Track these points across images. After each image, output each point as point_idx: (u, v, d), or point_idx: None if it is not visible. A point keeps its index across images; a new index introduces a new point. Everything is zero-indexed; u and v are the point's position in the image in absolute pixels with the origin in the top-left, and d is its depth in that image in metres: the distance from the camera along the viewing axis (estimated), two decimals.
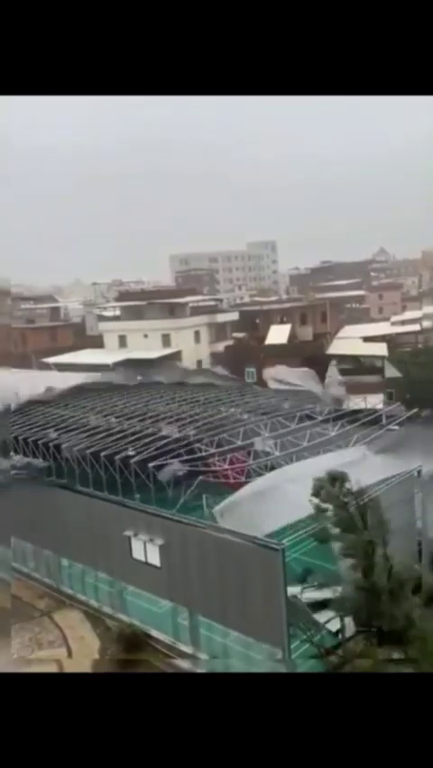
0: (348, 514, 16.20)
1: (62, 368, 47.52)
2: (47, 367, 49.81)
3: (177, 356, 50.40)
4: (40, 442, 25.78)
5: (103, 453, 24.18)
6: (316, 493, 16.50)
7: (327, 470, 17.08)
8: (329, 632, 18.05)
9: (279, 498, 19.56)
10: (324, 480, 16.64)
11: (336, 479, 16.49)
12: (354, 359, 46.21)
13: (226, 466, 25.27)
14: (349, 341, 49.69)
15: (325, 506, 16.41)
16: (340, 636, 17.66)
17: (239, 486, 25.00)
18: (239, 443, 26.00)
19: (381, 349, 45.96)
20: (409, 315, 63.80)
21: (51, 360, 51.24)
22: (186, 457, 25.13)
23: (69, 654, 20.23)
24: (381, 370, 43.68)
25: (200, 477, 24.73)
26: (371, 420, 28.90)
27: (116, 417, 28.90)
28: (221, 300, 73.06)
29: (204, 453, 25.07)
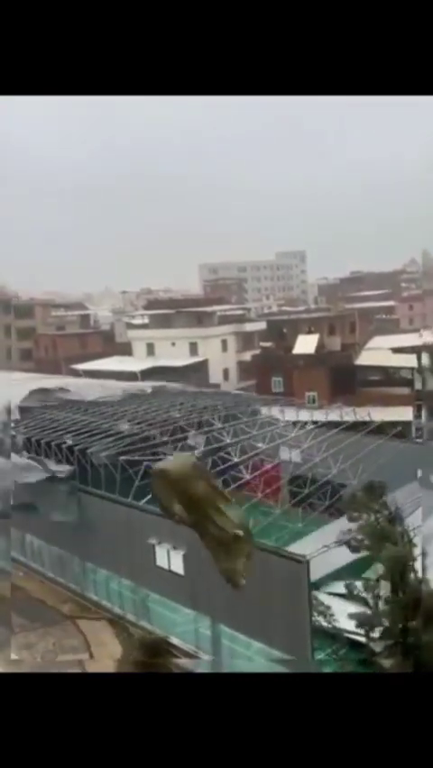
0: (380, 524, 15.99)
1: (91, 374, 48.11)
2: (76, 373, 50.47)
3: (204, 365, 50.56)
4: (63, 446, 25.86)
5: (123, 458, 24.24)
6: (347, 504, 16.35)
7: (367, 480, 16.98)
8: (354, 644, 17.74)
9: None
10: (357, 488, 16.50)
11: (375, 487, 16.34)
12: (383, 370, 45.62)
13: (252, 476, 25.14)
14: (378, 351, 49.10)
15: (356, 514, 16.25)
16: (366, 649, 17.34)
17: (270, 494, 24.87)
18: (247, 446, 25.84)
19: (410, 360, 45.26)
20: None
21: (80, 366, 51.90)
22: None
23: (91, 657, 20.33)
24: (410, 382, 42.99)
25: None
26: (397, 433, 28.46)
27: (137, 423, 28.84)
28: (249, 309, 73.12)
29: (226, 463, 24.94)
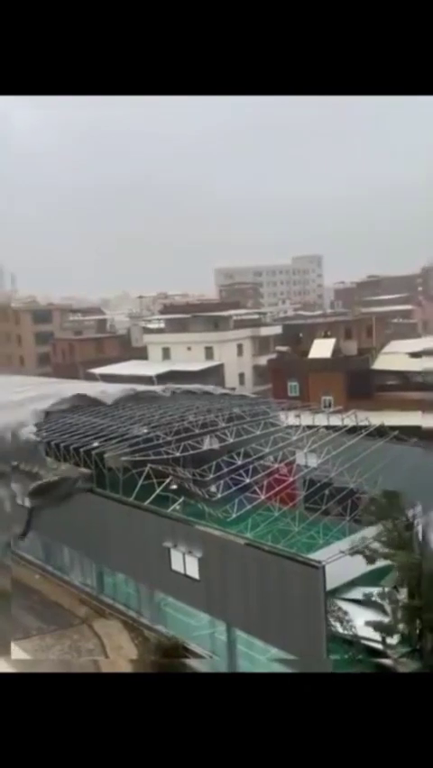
0: (398, 531, 15.95)
1: (108, 378, 48.41)
2: (93, 377, 50.82)
3: (219, 369, 50.60)
4: (82, 450, 25.98)
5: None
6: (365, 510, 16.34)
7: (382, 489, 16.98)
8: (371, 649, 17.60)
9: None
10: (376, 495, 16.49)
11: (391, 496, 16.36)
12: (400, 374, 45.28)
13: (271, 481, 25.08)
14: (395, 356, 48.76)
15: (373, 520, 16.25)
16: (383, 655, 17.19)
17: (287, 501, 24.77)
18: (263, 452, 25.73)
19: (427, 364, 44.83)
20: None
21: (97, 370, 52.25)
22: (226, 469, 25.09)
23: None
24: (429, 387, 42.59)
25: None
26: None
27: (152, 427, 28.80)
28: (265, 314, 73.00)
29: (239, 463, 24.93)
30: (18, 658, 19.76)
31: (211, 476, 24.34)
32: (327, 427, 29.03)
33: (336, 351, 46.75)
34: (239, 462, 24.93)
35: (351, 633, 16.61)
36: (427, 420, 33.48)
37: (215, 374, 49.40)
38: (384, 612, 17.17)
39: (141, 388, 36.87)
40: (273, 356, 51.81)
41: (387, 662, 16.53)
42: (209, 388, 39.52)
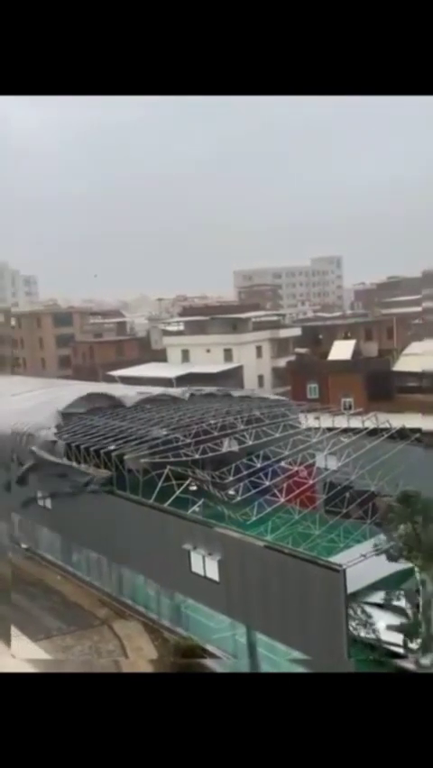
0: (418, 533, 15.76)
1: (127, 381, 48.65)
2: (113, 380, 51.13)
3: (238, 371, 50.55)
4: (102, 451, 26.11)
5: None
6: (384, 515, 16.19)
7: (402, 489, 16.80)
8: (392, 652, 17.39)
9: None
10: (393, 498, 16.34)
11: (410, 497, 16.18)
12: (420, 376, 44.73)
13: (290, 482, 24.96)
14: (416, 357, 48.19)
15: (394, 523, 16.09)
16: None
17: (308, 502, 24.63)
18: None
19: None
20: None
21: (117, 373, 52.55)
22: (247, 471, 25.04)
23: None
24: None
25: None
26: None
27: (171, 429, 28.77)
28: (284, 315, 72.71)
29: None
30: (39, 658, 19.93)
31: (231, 478, 24.30)
32: (347, 429, 28.79)
33: (356, 352, 46.39)
34: (258, 465, 24.87)
35: (373, 637, 16.45)
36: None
37: (234, 376, 49.34)
38: (405, 615, 16.97)
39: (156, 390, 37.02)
40: (292, 358, 51.58)
41: (408, 664, 16.34)
42: (228, 390, 39.54)
